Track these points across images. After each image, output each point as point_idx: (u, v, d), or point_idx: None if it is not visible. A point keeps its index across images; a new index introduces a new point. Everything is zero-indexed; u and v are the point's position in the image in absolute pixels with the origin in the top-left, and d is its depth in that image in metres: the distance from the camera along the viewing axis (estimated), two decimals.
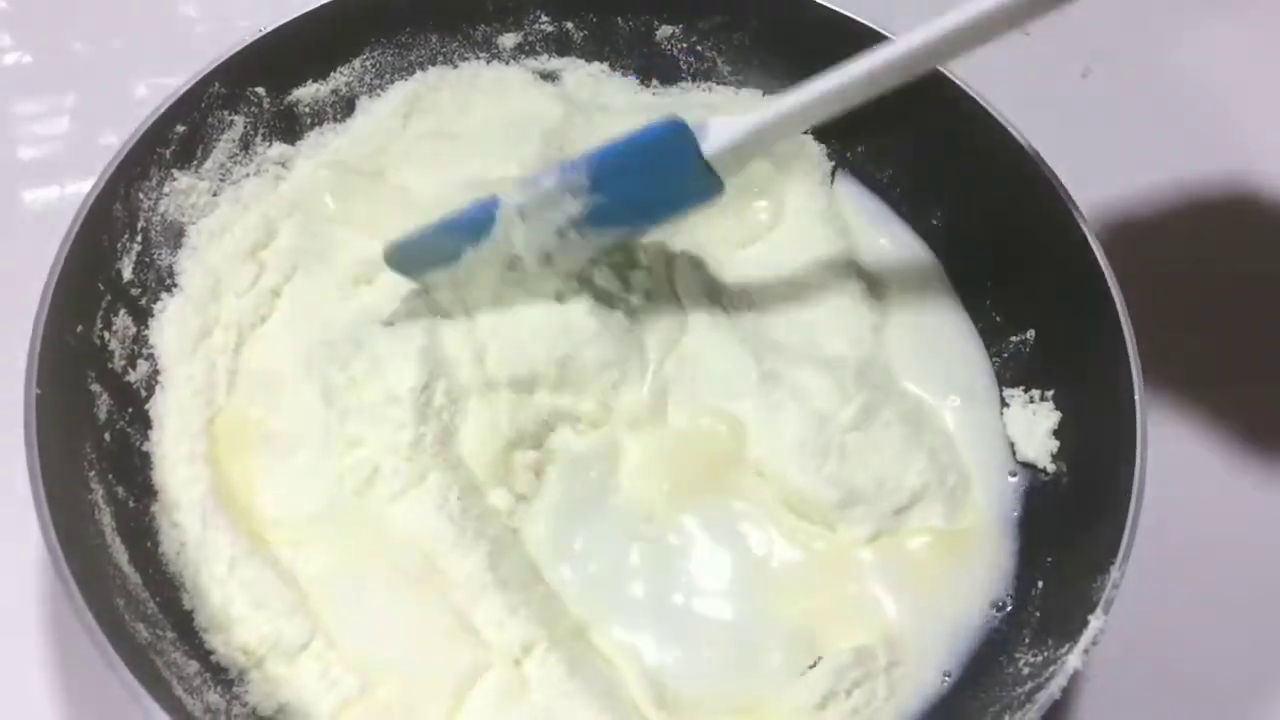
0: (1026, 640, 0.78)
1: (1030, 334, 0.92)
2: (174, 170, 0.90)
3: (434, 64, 1.04)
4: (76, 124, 1.08)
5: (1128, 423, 0.79)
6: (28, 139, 1.09)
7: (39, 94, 1.12)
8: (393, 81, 1.03)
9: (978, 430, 0.90)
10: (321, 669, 0.75)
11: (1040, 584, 0.81)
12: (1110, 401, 0.82)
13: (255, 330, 0.90)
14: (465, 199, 0.94)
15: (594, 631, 0.80)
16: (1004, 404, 0.91)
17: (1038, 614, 0.80)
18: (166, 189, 0.90)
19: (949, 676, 0.79)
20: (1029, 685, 0.73)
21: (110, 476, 0.79)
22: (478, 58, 1.05)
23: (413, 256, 0.86)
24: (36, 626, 0.85)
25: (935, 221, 1.00)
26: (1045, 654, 0.75)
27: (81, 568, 0.69)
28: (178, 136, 0.90)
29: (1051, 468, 0.87)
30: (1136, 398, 0.79)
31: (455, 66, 1.04)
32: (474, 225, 0.82)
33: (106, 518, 0.76)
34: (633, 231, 0.87)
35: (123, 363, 0.84)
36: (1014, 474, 0.88)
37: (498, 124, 1.02)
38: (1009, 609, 0.82)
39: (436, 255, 0.84)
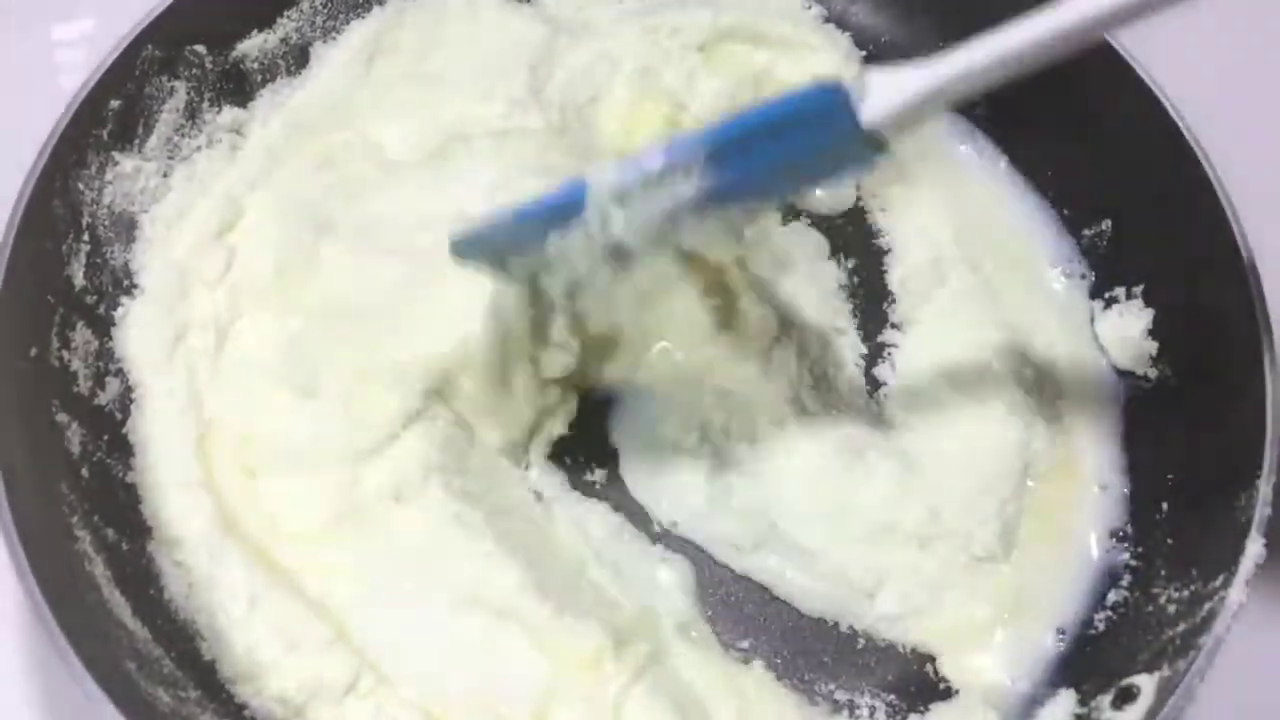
0: (1163, 573, 0.70)
1: (1106, 224, 0.82)
2: (114, 153, 0.78)
3: None
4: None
5: (1243, 308, 0.70)
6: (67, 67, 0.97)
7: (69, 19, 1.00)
8: (348, 22, 0.90)
9: (1062, 339, 0.80)
10: (374, 709, 0.66)
11: (1165, 506, 0.73)
12: (1216, 288, 0.72)
13: (236, 325, 0.78)
14: (450, 152, 0.83)
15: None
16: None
17: (1169, 541, 0.71)
18: (109, 176, 0.78)
19: (1067, 631, 0.71)
20: (1181, 626, 0.64)
21: (96, 518, 0.68)
22: None
23: (486, 248, 0.70)
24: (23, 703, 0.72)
25: (978, 109, 0.89)
26: (1192, 588, 0.66)
27: (81, 633, 0.60)
28: (114, 113, 0.78)
29: (1153, 373, 0.78)
30: (1251, 280, 0.70)
31: None
32: (559, 211, 0.66)
33: (99, 568, 0.66)
34: (764, 204, 0.74)
35: (89, 384, 0.73)
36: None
37: (474, 58, 0.89)
38: (1130, 537, 0.73)
39: (515, 247, 0.70)
